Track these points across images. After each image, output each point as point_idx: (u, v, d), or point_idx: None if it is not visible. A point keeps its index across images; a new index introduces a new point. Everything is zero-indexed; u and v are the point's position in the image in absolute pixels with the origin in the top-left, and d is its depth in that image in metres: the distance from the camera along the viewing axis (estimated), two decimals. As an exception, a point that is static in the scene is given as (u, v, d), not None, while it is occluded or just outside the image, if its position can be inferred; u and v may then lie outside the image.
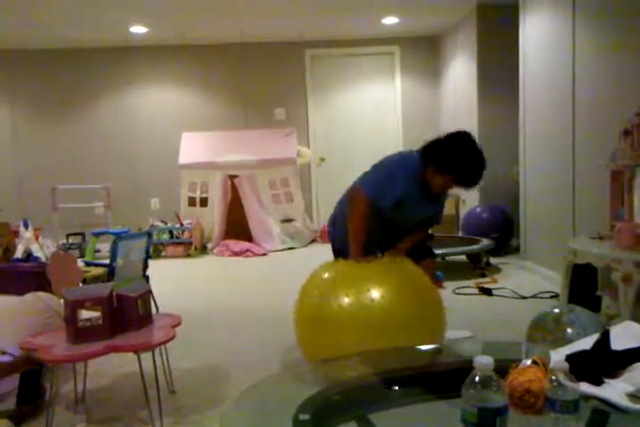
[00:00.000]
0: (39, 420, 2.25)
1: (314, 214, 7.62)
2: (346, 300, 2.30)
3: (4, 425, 1.99)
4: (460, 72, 6.56)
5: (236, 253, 6.34)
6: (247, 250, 6.36)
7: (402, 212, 2.65)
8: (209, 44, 7.27)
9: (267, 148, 6.87)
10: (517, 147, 5.14)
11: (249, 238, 6.65)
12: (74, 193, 6.83)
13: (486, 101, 5.95)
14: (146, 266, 3.39)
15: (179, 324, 2.35)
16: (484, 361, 1.02)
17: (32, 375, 2.31)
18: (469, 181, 2.53)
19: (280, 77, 7.43)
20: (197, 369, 2.80)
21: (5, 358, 2.24)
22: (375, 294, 2.28)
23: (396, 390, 1.58)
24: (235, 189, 6.71)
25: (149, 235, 3.53)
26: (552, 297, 3.91)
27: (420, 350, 1.87)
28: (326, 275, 2.51)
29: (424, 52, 7.43)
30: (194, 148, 6.89)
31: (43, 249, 5.26)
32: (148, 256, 3.42)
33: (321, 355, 2.21)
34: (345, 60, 7.44)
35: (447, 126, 7.13)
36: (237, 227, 6.70)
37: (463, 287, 4.29)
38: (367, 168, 2.80)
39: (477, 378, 1.01)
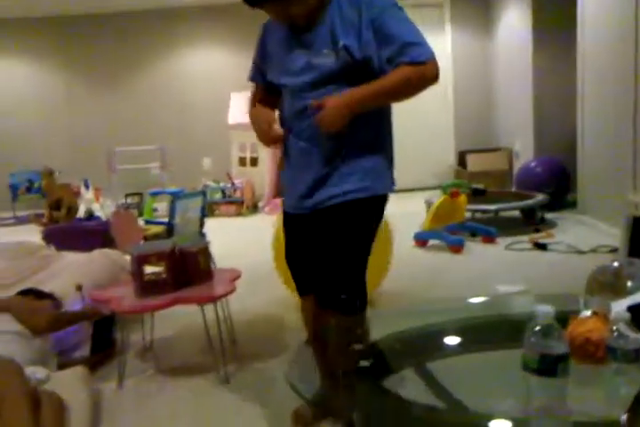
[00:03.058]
0: (111, 367, 2.41)
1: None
2: None
3: (80, 370, 2.14)
4: (514, 22, 6.27)
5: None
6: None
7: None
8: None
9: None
10: (574, 99, 4.93)
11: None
12: (130, 154, 7.02)
13: (542, 51, 5.68)
14: (202, 223, 3.50)
15: (238, 278, 2.44)
16: (545, 309, 1.03)
17: (104, 326, 2.46)
18: None
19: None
20: (256, 321, 2.91)
21: (77, 308, 2.39)
22: None
23: (451, 340, 1.62)
24: (284, 148, 6.72)
25: (204, 194, 3.63)
26: (611, 251, 3.82)
27: (479, 304, 1.89)
28: None
29: (475, 1, 7.11)
30: (243, 108, 6.91)
31: (103, 209, 5.47)
32: (204, 214, 3.53)
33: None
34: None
35: (501, 80, 6.88)
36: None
37: (516, 243, 4.24)
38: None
39: (539, 326, 1.02)
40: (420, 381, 1.34)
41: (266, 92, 1.84)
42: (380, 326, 1.71)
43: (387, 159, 1.76)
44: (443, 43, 7.21)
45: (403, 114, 7.30)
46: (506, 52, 6.67)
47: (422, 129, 7.17)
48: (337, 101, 1.56)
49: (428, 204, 4.65)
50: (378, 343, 1.43)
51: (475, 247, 4.24)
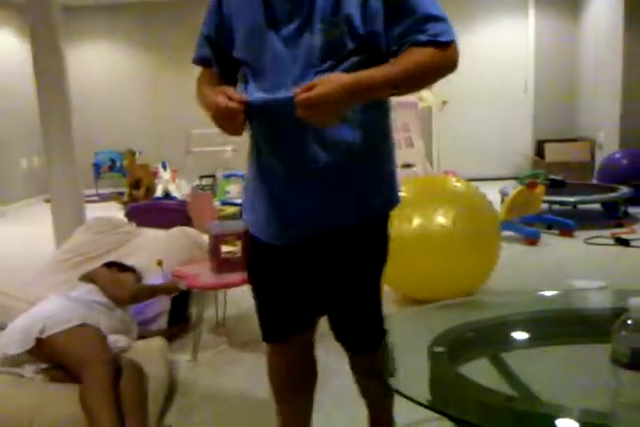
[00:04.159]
0: (186, 340, 2.51)
1: (434, 160, 7.47)
2: (415, 222, 2.67)
3: (159, 341, 2.25)
4: (604, 5, 5.93)
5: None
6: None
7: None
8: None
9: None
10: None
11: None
12: (205, 137, 7.20)
13: (633, 37, 5.36)
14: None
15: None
16: (638, 302, 0.99)
17: (180, 301, 2.56)
18: None
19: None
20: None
21: (157, 282, 2.50)
22: (441, 216, 2.65)
23: (529, 332, 1.58)
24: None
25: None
26: (700, 251, 3.60)
27: (554, 297, 1.83)
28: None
29: (563, -19, 6.78)
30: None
31: (179, 189, 5.66)
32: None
33: (390, 274, 2.55)
34: (473, -5, 6.99)
35: (586, 67, 6.56)
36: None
37: (596, 237, 4.06)
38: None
39: (631, 320, 0.98)
40: (499, 371, 1.33)
41: (221, 79, 1.35)
42: (453, 316, 1.68)
43: (395, 160, 1.38)
44: (525, 27, 6.93)
45: (477, 100, 7.14)
46: (593, 38, 6.34)
47: (498, 116, 6.95)
48: (333, 81, 1.11)
49: (503, 194, 4.52)
50: (452, 332, 1.42)
51: (551, 240, 4.10)
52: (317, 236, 1.27)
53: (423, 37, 1.15)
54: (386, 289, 2.92)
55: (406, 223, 2.73)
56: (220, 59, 1.36)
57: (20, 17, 6.60)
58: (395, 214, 2.88)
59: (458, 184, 3.00)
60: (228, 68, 1.35)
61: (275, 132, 1.24)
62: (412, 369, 1.26)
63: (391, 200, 1.35)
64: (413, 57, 1.15)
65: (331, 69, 1.18)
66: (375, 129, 1.27)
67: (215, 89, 1.24)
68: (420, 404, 1.07)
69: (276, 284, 1.37)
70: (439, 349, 1.30)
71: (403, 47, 1.17)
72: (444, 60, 1.17)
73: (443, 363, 1.27)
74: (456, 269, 2.66)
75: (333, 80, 1.11)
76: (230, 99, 1.16)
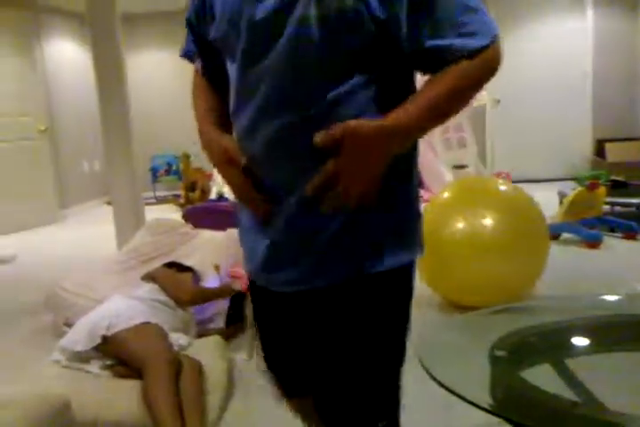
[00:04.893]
0: (243, 339, 2.56)
1: (488, 160, 7.33)
2: (459, 226, 2.65)
3: (217, 340, 2.30)
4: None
5: (408, 199, 6.37)
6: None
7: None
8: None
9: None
10: None
11: (419, 185, 6.62)
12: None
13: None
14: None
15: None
16: None
17: (238, 300, 2.61)
18: None
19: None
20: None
21: (214, 285, 2.56)
22: (487, 219, 2.63)
23: (592, 337, 1.54)
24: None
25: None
26: None
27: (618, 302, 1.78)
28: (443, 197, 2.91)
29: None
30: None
31: (233, 191, 5.75)
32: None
33: (434, 278, 2.74)
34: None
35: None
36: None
37: (663, 241, 3.90)
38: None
39: None
40: (562, 376, 1.30)
41: (209, 79, 1.16)
42: (514, 320, 1.66)
43: (418, 204, 1.10)
44: (583, 25, 6.72)
45: (533, 99, 6.95)
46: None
47: (555, 116, 6.76)
48: (371, 131, 0.87)
49: (562, 195, 4.40)
50: (513, 336, 1.39)
51: (613, 243, 3.95)
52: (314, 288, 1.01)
53: (457, 43, 0.88)
54: (427, 293, 2.89)
55: (450, 226, 2.70)
56: (204, 48, 1.13)
57: (81, 27, 6.88)
58: (438, 217, 2.97)
59: (504, 186, 2.95)
60: (212, 60, 1.12)
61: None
62: (472, 373, 1.25)
63: (411, 251, 1.05)
64: (456, 72, 0.89)
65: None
66: (398, 165, 0.96)
67: (220, 145, 1.02)
68: (481, 408, 1.06)
69: (275, 333, 1.17)
70: (501, 353, 1.29)
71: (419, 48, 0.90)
72: (489, 67, 0.92)
73: (504, 367, 1.25)
74: (500, 272, 2.60)
75: (369, 131, 0.86)
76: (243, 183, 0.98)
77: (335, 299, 0.99)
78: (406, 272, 1.04)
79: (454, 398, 1.09)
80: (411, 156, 1.02)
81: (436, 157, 6.60)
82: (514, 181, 6.53)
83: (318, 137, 0.87)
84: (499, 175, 6.62)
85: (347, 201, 0.91)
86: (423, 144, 6.59)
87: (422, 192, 6.41)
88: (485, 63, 0.91)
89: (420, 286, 2.89)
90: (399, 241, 1.01)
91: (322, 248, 0.97)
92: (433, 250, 2.74)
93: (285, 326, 1.13)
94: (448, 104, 0.92)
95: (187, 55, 1.20)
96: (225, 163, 1.01)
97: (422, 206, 3.03)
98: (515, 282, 2.70)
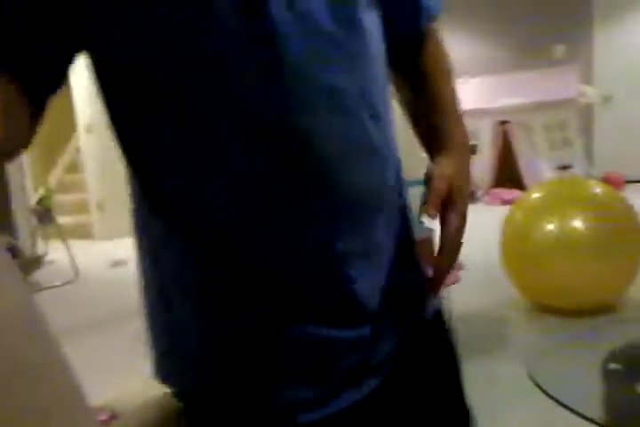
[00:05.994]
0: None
1: (595, 161, 6.91)
2: (549, 227, 2.57)
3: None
4: None
5: (508, 202, 6.14)
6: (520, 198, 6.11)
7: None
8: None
9: (542, 88, 6.37)
10: None
11: (518, 186, 6.37)
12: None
13: None
14: (422, 212, 3.51)
15: (460, 269, 2.42)
16: None
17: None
18: None
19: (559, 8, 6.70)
20: (478, 317, 2.85)
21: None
22: (578, 220, 2.54)
23: None
24: (506, 135, 6.44)
25: (425, 182, 3.62)
26: None
27: None
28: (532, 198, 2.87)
29: None
30: (462, 94, 6.75)
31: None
32: (424, 203, 3.53)
33: (524, 281, 2.69)
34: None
35: None
36: (507, 174, 6.45)
37: None
38: None
39: None
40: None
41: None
42: (623, 331, 1.54)
43: None
44: None
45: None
46: None
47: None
48: (459, 174, 0.72)
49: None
50: (628, 348, 1.30)
51: None
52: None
53: (423, 16, 0.73)
54: (515, 296, 2.81)
55: (540, 227, 2.64)
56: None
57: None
58: (527, 219, 2.90)
59: (595, 186, 2.83)
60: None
61: None
62: (583, 386, 1.18)
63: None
64: (440, 54, 0.78)
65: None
66: None
67: None
68: (593, 422, 0.99)
69: None
70: (614, 366, 1.20)
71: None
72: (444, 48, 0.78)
73: (619, 381, 1.17)
74: (592, 275, 2.52)
75: (459, 176, 0.71)
76: None
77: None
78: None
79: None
80: None
81: (538, 156, 6.31)
82: (628, 182, 6.12)
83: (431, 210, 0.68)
84: (609, 176, 6.21)
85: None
86: (523, 144, 6.33)
87: (524, 195, 6.16)
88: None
89: (509, 288, 2.78)
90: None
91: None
92: (522, 252, 2.67)
93: None
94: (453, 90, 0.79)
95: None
96: None
97: (511, 207, 2.97)
98: (607, 285, 2.60)
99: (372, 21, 0.62)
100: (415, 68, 0.76)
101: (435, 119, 0.75)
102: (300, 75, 0.53)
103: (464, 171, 0.72)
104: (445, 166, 0.71)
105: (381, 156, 0.62)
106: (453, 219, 0.69)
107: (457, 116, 0.77)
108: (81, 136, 6.10)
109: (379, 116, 0.61)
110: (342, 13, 0.56)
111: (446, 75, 0.78)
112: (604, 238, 2.53)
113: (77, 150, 6.39)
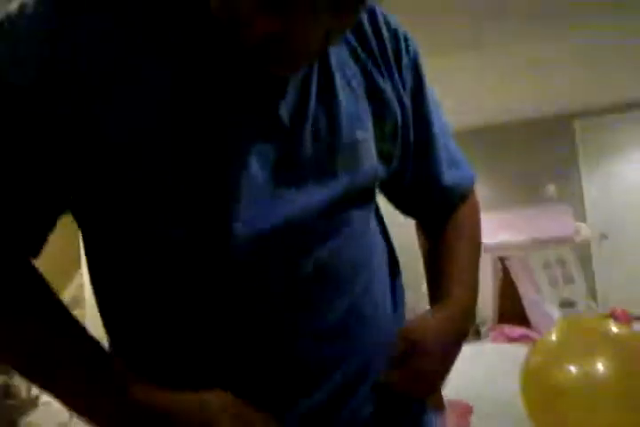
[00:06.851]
0: None
1: (598, 299, 6.82)
2: (572, 370, 2.37)
3: None
4: None
5: (514, 340, 5.94)
6: (525, 336, 5.92)
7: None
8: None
9: (538, 226, 6.50)
10: None
11: (523, 322, 6.21)
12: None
13: None
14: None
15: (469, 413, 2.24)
16: None
17: None
18: None
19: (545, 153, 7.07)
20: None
21: None
22: (600, 364, 2.32)
23: None
24: (506, 271, 6.43)
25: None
26: None
27: None
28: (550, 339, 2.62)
29: None
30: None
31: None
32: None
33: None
34: (621, 128, 6.81)
35: None
36: (510, 309, 6.33)
37: None
38: None
39: None
40: None
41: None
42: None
43: None
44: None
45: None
46: None
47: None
48: (441, 339, 0.72)
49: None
50: None
51: None
52: None
53: (458, 190, 0.83)
54: None
55: (560, 371, 2.45)
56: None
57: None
58: (547, 361, 2.66)
59: (616, 327, 2.67)
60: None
61: None
62: None
63: None
64: (467, 225, 0.83)
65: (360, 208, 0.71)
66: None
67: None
68: None
69: None
70: None
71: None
72: (478, 216, 0.86)
73: None
74: (616, 424, 2.29)
75: (439, 340, 0.71)
76: None
77: None
78: None
79: None
80: None
81: (540, 294, 6.24)
82: (635, 318, 5.96)
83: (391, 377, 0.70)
84: (615, 312, 6.08)
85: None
86: (525, 282, 6.29)
87: (529, 332, 5.97)
88: (478, 209, 0.88)
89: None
90: None
91: None
92: (542, 397, 2.44)
93: None
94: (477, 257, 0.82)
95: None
96: None
97: (529, 348, 2.77)
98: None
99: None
100: (438, 231, 0.82)
101: (442, 280, 0.78)
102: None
103: (443, 330, 0.71)
104: (421, 321, 0.73)
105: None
106: (404, 372, 0.69)
107: (467, 282, 0.78)
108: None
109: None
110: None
111: (466, 241, 0.81)
112: (627, 384, 2.35)
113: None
